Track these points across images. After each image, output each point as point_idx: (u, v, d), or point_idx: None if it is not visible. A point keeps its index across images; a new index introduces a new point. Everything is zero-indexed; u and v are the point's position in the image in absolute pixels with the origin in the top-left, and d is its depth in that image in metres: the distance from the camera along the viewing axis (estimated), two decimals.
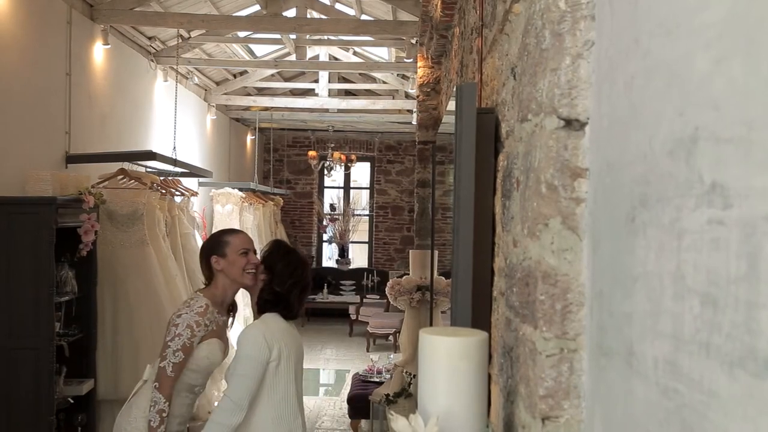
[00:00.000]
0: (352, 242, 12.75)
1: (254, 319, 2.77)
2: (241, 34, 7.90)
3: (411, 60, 7.32)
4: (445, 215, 3.41)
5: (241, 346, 2.56)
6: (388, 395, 4.36)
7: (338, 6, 7.87)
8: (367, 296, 11.10)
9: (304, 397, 2.85)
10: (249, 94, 10.15)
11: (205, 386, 2.97)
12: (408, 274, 4.73)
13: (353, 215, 12.52)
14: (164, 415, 2.64)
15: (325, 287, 11.42)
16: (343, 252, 12.45)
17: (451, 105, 1.99)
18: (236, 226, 8.30)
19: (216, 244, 2.90)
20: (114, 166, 5.30)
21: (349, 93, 10.69)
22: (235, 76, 9.53)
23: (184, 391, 2.80)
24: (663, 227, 0.73)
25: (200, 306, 2.77)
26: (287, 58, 8.79)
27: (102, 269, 4.78)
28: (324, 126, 11.87)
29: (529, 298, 1.19)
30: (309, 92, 10.50)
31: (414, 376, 4.19)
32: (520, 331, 1.27)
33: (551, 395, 1.08)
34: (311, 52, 8.95)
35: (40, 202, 4.06)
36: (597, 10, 1.04)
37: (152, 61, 7.09)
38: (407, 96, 9.65)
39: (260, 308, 2.73)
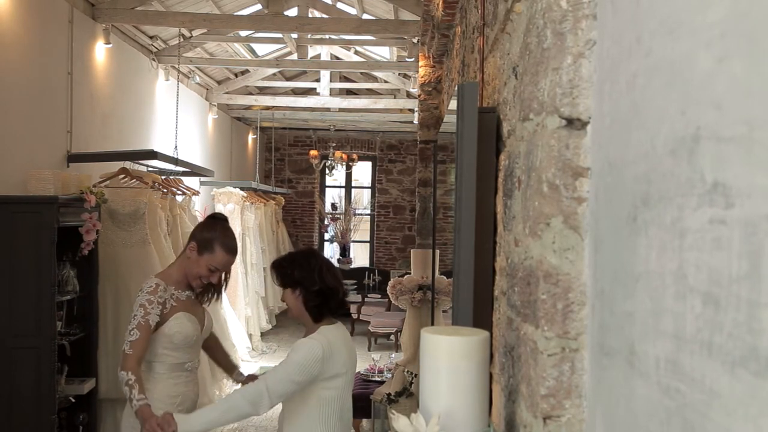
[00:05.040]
0: (354, 241, 12.75)
1: (306, 333, 2.67)
2: (243, 33, 7.90)
3: (412, 59, 7.32)
4: (446, 214, 3.41)
5: (295, 351, 2.52)
6: (389, 394, 4.36)
7: (340, 5, 7.87)
8: (369, 295, 11.08)
9: None
10: (250, 94, 10.15)
11: (196, 361, 2.97)
12: (409, 274, 4.73)
13: (354, 214, 12.52)
14: (131, 383, 2.62)
15: None
16: (344, 251, 12.46)
17: (453, 104, 1.99)
18: (238, 226, 8.32)
19: (205, 239, 2.87)
20: (115, 166, 5.30)
21: (350, 92, 10.69)
22: (236, 75, 9.53)
23: (173, 371, 2.83)
24: (665, 226, 0.73)
25: (149, 286, 2.81)
26: (289, 58, 8.79)
27: (103, 268, 4.78)
28: (325, 125, 11.88)
29: (530, 298, 1.19)
30: (310, 91, 10.50)
31: (415, 375, 4.19)
32: (522, 330, 1.27)
33: (553, 394, 1.08)
34: (313, 51, 8.95)
35: (41, 202, 4.06)
36: (598, 9, 1.04)
37: (154, 60, 7.09)
38: (409, 95, 9.65)
39: (315, 318, 2.64)
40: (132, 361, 2.66)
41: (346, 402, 2.65)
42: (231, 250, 2.92)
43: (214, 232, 2.90)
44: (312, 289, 2.60)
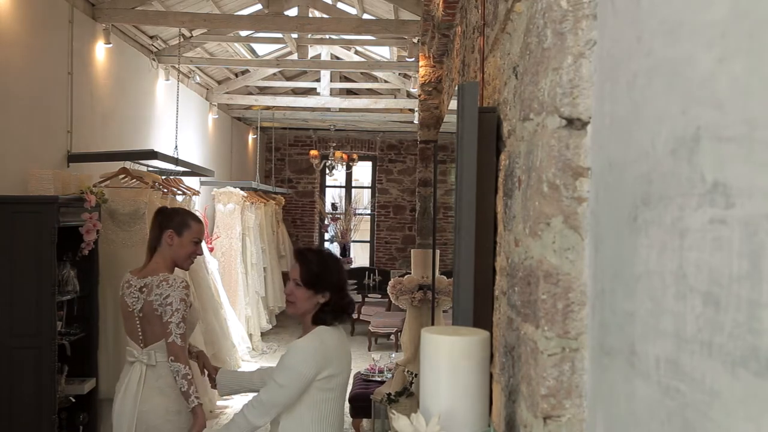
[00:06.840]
0: (354, 241, 12.74)
1: (303, 333, 2.63)
2: (243, 33, 7.90)
3: (413, 59, 7.32)
4: (446, 214, 3.41)
5: (290, 355, 2.48)
6: (389, 394, 4.36)
7: (340, 5, 7.87)
8: (369, 295, 11.08)
9: None
10: (251, 93, 10.15)
11: None
12: (410, 274, 4.73)
13: (355, 214, 12.52)
14: (189, 377, 2.85)
15: None
16: (344, 251, 12.45)
17: (453, 104, 1.99)
18: (238, 225, 8.32)
19: (178, 222, 3.08)
20: (116, 165, 5.30)
21: (350, 92, 10.69)
22: (236, 75, 9.53)
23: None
24: (665, 226, 0.73)
25: (182, 282, 2.99)
26: (289, 57, 8.79)
27: (104, 268, 4.78)
28: (326, 125, 11.88)
29: (530, 297, 1.19)
30: (311, 91, 10.50)
31: (415, 375, 4.19)
32: (522, 330, 1.27)
33: (553, 394, 1.08)
34: (313, 51, 8.94)
35: (41, 202, 4.06)
36: (599, 9, 1.04)
37: (154, 60, 7.09)
38: (409, 95, 9.65)
39: (313, 319, 2.58)
40: (185, 354, 2.89)
41: (340, 404, 2.61)
42: (198, 218, 3.25)
43: (178, 214, 3.18)
44: (330, 296, 2.55)
